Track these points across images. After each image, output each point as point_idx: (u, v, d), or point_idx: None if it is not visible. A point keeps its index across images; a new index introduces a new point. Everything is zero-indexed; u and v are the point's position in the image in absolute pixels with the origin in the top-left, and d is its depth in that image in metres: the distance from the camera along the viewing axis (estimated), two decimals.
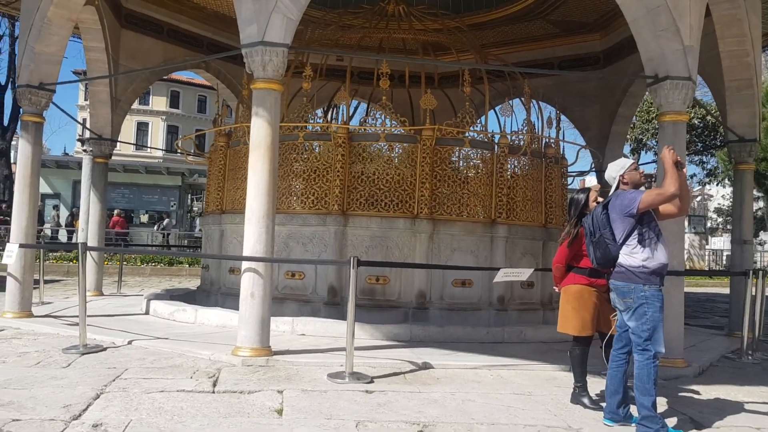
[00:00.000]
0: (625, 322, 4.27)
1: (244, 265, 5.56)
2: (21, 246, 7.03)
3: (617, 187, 4.32)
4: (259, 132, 5.58)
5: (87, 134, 11.57)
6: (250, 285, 5.48)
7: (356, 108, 11.97)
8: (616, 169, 4.35)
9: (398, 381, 5.13)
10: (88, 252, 10.49)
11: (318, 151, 7.85)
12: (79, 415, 3.90)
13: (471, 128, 8.02)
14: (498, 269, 5.72)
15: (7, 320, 7.17)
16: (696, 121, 24.79)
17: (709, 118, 24.30)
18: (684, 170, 4.20)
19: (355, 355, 5.21)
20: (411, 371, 5.46)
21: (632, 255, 4.13)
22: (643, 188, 4.33)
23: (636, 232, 4.13)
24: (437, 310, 7.48)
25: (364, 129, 7.98)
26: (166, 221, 24.30)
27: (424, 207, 7.52)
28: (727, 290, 10.99)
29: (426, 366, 5.58)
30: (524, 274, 5.44)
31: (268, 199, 5.53)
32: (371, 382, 5.01)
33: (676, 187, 4.01)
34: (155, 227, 24.30)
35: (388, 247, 7.51)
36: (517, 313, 7.82)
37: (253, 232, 5.50)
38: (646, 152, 28.95)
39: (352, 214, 7.54)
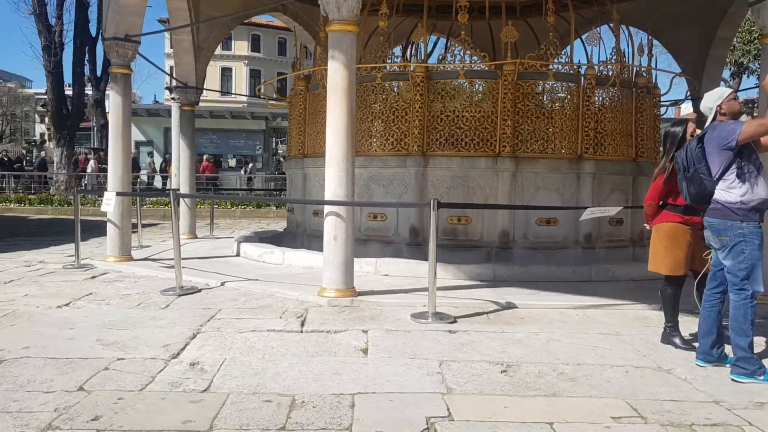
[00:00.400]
0: (719, 261, 4.06)
1: (326, 209, 5.64)
2: (117, 194, 7.41)
3: (714, 118, 4.03)
4: (336, 76, 5.55)
5: (174, 83, 11.91)
6: (333, 228, 5.56)
7: (435, 44, 11.65)
8: (712, 99, 4.05)
9: (481, 321, 5.14)
10: (180, 198, 11.00)
11: (396, 92, 7.75)
12: (178, 354, 4.14)
13: (555, 60, 7.67)
14: (584, 208, 5.53)
15: (110, 264, 7.65)
16: None
17: None
18: None
19: (437, 295, 5.24)
20: (494, 311, 5.45)
21: (729, 190, 3.88)
22: (742, 118, 4.03)
23: (734, 166, 3.87)
24: (521, 249, 7.38)
25: (443, 66, 7.78)
26: (250, 165, 24.94)
27: (506, 145, 7.33)
28: None
29: (510, 306, 5.55)
30: (611, 210, 5.23)
31: (347, 142, 5.53)
32: (454, 322, 5.04)
33: None
34: (241, 171, 25.03)
35: (470, 187, 7.41)
36: (605, 251, 7.60)
37: (333, 177, 5.54)
38: (747, 76, 26.93)
39: (432, 155, 7.46)
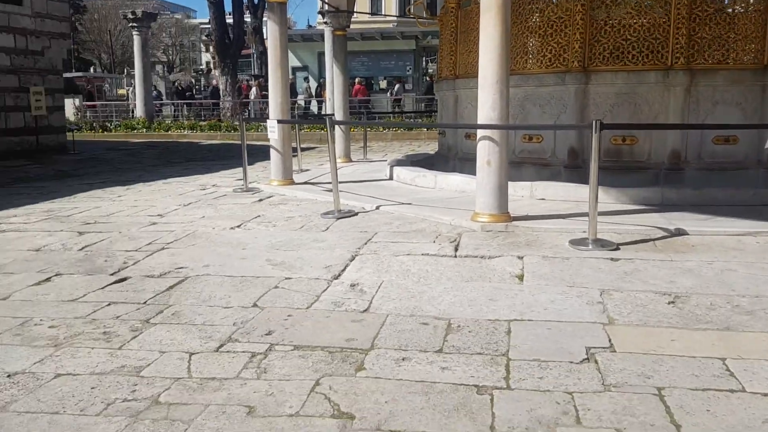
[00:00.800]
0: None
1: (479, 133, 5.51)
2: (279, 122, 7.74)
3: None
4: None
5: (326, 7, 12.04)
6: (486, 153, 5.44)
7: None
8: None
9: (647, 248, 4.85)
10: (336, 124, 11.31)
11: (555, 2, 7.24)
12: (339, 275, 4.34)
13: None
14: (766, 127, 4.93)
15: (274, 187, 8.10)
16: None
17: None
18: None
19: (598, 220, 4.99)
20: (661, 238, 5.11)
21: None
22: None
23: None
24: (693, 170, 6.79)
25: None
26: (396, 87, 24.96)
27: (679, 56, 6.67)
28: None
29: (679, 232, 5.18)
30: None
31: (501, 63, 5.30)
32: (617, 249, 4.80)
33: None
34: (387, 93, 25.14)
35: (636, 104, 6.87)
36: None
37: (486, 99, 5.37)
38: None
39: (594, 70, 6.97)
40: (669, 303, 3.66)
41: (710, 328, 3.27)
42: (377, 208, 6.57)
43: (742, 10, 6.83)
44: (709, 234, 5.13)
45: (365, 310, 3.64)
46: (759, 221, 5.36)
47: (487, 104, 5.40)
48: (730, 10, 6.83)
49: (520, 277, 4.19)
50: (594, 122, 4.87)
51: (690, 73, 6.67)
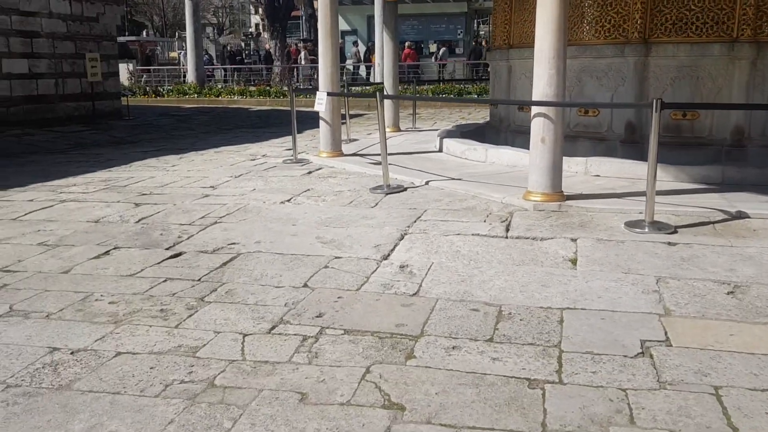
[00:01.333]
0: None
1: (534, 110, 5.37)
2: (328, 94, 7.71)
3: None
4: None
5: None
6: (541, 130, 5.31)
7: None
8: None
9: (706, 232, 4.69)
10: (384, 88, 11.22)
11: None
12: (388, 255, 4.34)
13: None
14: None
15: (323, 159, 8.12)
16: None
17: None
18: None
19: (656, 201, 4.85)
20: (722, 221, 4.94)
21: None
22: None
23: None
24: (758, 147, 6.50)
25: None
26: (442, 50, 24.50)
27: (746, 27, 6.34)
28: None
29: (741, 215, 4.99)
30: None
31: (558, 37, 5.13)
32: (674, 232, 4.66)
33: None
34: (432, 59, 24.70)
35: (699, 77, 6.59)
36: None
37: (542, 74, 5.22)
38: None
39: (655, 42, 6.70)
40: (728, 293, 3.55)
41: None
42: (426, 183, 6.52)
43: None
44: None
45: (415, 294, 3.64)
46: None
47: (543, 80, 5.26)
48: None
49: (573, 262, 4.12)
50: (654, 101, 4.69)
51: (757, 46, 6.34)
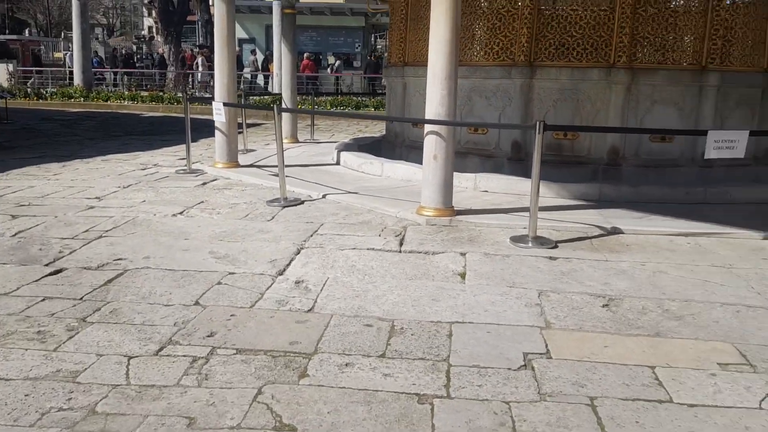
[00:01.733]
0: None
1: (427, 128, 5.53)
2: (225, 105, 7.58)
3: None
4: None
5: None
6: (433, 147, 5.48)
7: None
8: None
9: (584, 247, 5.00)
10: (282, 99, 11.15)
11: None
12: (284, 270, 4.32)
13: None
14: (704, 132, 5.10)
15: (218, 170, 7.96)
16: None
17: None
18: None
19: (539, 216, 5.12)
20: (598, 236, 5.28)
21: None
22: None
23: None
24: (631, 167, 7.02)
25: None
26: (337, 63, 24.67)
27: (622, 54, 6.83)
28: None
29: (615, 231, 5.36)
30: (739, 146, 4.79)
31: (450, 60, 5.32)
32: (555, 247, 4.94)
33: None
34: (328, 70, 24.81)
35: (579, 100, 7.03)
36: (723, 170, 7.09)
37: (435, 95, 5.39)
38: None
39: (539, 65, 7.08)
40: (603, 306, 3.80)
41: (641, 333, 3.42)
42: (324, 196, 6.55)
43: (682, 12, 7.02)
44: (643, 233, 5.33)
45: (310, 310, 3.64)
46: (691, 221, 5.60)
47: (435, 99, 5.43)
48: (671, 12, 7.00)
49: (463, 276, 4.27)
50: (537, 123, 4.96)
51: (631, 72, 6.85)
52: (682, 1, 7.05)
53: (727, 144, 5.14)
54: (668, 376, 2.94)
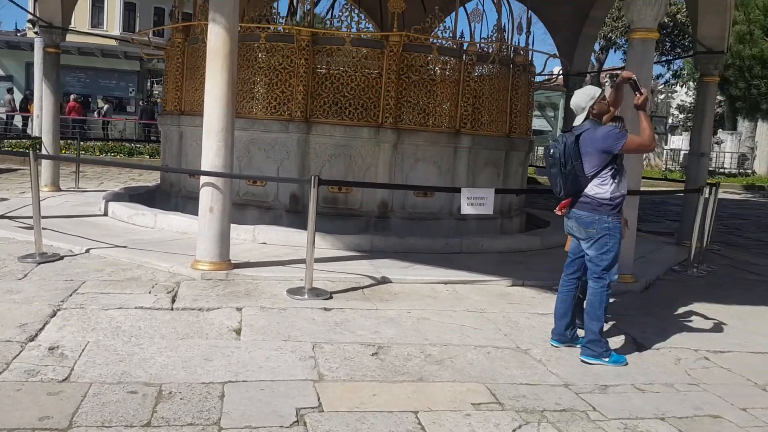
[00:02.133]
0: (578, 249, 4.38)
1: (203, 179, 5.45)
2: None
3: (586, 117, 4.26)
4: (217, 40, 5.29)
5: (38, 21, 10.88)
6: (209, 199, 5.40)
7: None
8: (585, 100, 4.27)
9: (357, 296, 5.24)
10: (42, 144, 10.20)
11: (281, 54, 7.51)
12: (36, 335, 3.92)
13: (439, 34, 7.78)
14: (458, 189, 5.70)
15: None
16: (666, 20, 24.34)
17: (678, 16, 23.90)
18: (645, 93, 4.19)
19: (315, 268, 5.27)
20: (370, 286, 5.57)
21: (601, 186, 4.17)
22: (612, 125, 4.34)
23: (610, 167, 4.17)
24: (398, 219, 7.54)
25: (330, 32, 7.65)
26: (105, 107, 23.42)
27: (389, 116, 7.38)
28: (681, 187, 11.20)
29: (384, 280, 5.69)
30: (488, 202, 5.43)
31: (226, 111, 5.34)
32: (330, 298, 5.10)
33: (653, 141, 4.19)
34: (95, 114, 23.44)
35: (351, 156, 7.43)
36: (476, 223, 7.92)
37: (211, 146, 5.35)
38: (614, 51, 28.77)
39: (315, 122, 7.39)
40: (373, 354, 4.00)
41: (407, 379, 3.65)
42: (87, 251, 6.07)
43: (440, 81, 7.81)
44: (409, 282, 5.73)
45: (65, 379, 3.33)
46: (450, 270, 6.15)
47: (211, 151, 5.38)
48: (431, 80, 7.75)
49: (238, 332, 4.22)
50: (312, 177, 5.15)
51: (397, 132, 7.43)
52: (439, 71, 7.84)
53: (478, 201, 5.78)
54: (430, 419, 3.17)
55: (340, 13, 7.59)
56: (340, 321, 4.59)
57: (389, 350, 4.09)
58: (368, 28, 8.43)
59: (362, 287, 5.51)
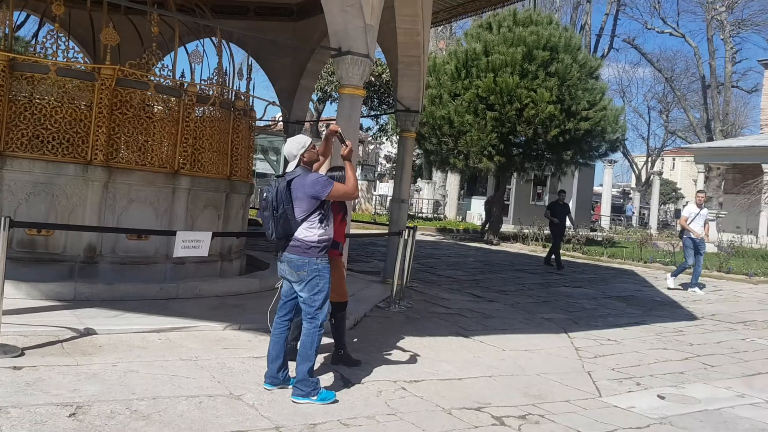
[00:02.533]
0: (290, 292, 4.59)
1: None
2: None
3: (298, 164, 4.54)
4: None
5: None
6: None
7: (24, 21, 10.35)
8: (297, 148, 4.55)
9: (55, 352, 4.77)
10: None
11: None
12: None
13: (158, 72, 7.57)
14: (174, 232, 5.58)
15: None
16: (373, 78, 26.88)
17: (384, 76, 26.62)
18: (350, 145, 4.64)
19: (5, 321, 4.69)
20: (71, 339, 5.11)
21: (310, 230, 4.45)
22: (333, 174, 4.73)
23: (319, 212, 4.47)
24: (109, 264, 7.04)
25: (32, 59, 6.96)
26: None
27: (99, 153, 6.91)
28: (386, 230, 12.33)
29: (88, 332, 5.27)
30: (204, 245, 5.38)
31: None
32: (21, 355, 4.57)
33: (356, 190, 4.60)
34: None
35: (54, 195, 6.77)
36: (194, 266, 7.74)
37: None
38: (330, 103, 30.91)
39: (11, 156, 6.60)
40: (70, 416, 3.68)
41: None
42: None
43: (158, 119, 7.55)
44: (117, 332, 5.40)
45: None
46: (164, 317, 5.93)
47: None
48: (149, 117, 7.46)
49: None
50: (3, 219, 4.61)
51: (109, 171, 6.97)
52: (158, 109, 7.60)
53: (194, 244, 5.72)
54: None
55: (44, 40, 6.97)
56: (32, 380, 4.14)
57: (90, 409, 3.80)
58: (78, 58, 7.82)
59: (61, 341, 5.03)
